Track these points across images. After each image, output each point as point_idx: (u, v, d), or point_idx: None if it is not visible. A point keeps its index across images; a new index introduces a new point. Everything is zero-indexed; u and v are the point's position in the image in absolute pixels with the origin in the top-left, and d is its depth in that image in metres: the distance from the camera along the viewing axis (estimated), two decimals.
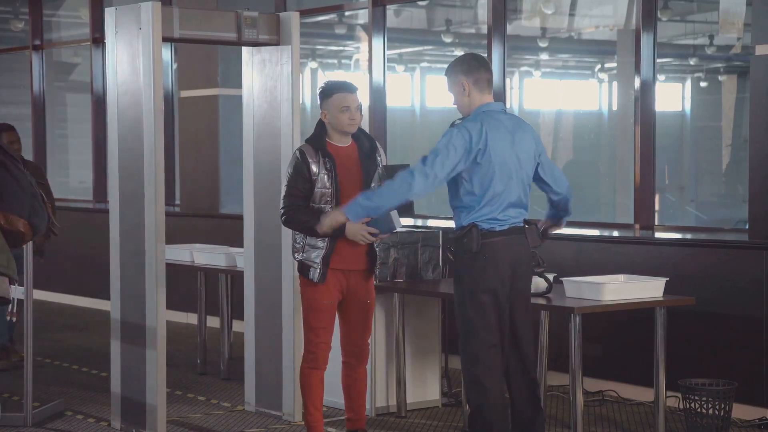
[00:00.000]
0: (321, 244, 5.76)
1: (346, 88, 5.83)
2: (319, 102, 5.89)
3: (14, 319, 5.98)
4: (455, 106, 5.38)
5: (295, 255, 5.87)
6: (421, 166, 5.13)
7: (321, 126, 5.86)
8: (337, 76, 13.20)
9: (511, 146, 5.24)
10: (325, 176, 5.75)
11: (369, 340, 6.03)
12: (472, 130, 5.16)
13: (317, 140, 5.82)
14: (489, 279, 5.20)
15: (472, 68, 5.28)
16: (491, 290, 5.21)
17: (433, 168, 5.12)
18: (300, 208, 5.75)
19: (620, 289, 6.16)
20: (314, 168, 5.76)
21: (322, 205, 5.75)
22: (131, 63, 6.38)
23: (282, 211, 5.80)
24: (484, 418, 5.22)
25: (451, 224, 5.50)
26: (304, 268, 5.82)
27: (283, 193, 5.84)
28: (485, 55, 8.74)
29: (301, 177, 5.76)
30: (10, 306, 5.67)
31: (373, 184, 5.82)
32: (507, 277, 5.25)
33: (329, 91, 5.82)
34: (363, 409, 6.05)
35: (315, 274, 5.78)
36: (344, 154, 5.81)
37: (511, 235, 5.24)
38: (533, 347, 5.46)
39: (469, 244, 5.19)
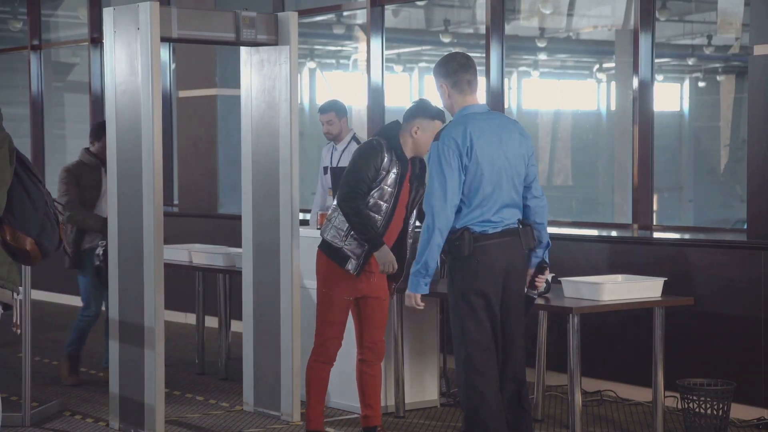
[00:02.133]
0: None
1: (443, 120, 5.83)
2: (416, 113, 5.84)
3: (19, 331, 5.95)
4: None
5: (335, 241, 5.86)
6: (432, 203, 5.09)
7: (395, 131, 5.87)
8: (335, 76, 13.21)
9: (499, 146, 5.21)
10: (394, 176, 5.78)
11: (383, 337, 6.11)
12: (456, 137, 5.13)
13: (395, 140, 5.84)
14: (481, 282, 5.19)
15: (449, 71, 5.26)
16: (483, 293, 5.19)
17: (440, 200, 5.08)
18: (364, 198, 5.77)
19: (618, 289, 6.16)
20: (387, 163, 5.77)
21: (381, 203, 5.76)
22: (129, 63, 6.38)
23: (349, 195, 5.75)
24: (480, 421, 5.21)
25: None
26: (340, 256, 5.84)
27: (348, 177, 5.81)
28: (483, 55, 8.73)
29: (373, 165, 5.79)
30: (14, 317, 5.63)
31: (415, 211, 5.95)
32: (500, 280, 5.24)
33: (436, 116, 5.83)
34: (379, 406, 6.14)
35: (352, 265, 5.83)
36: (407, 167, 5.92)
37: (504, 238, 5.22)
38: (523, 348, 5.42)
39: (460, 248, 5.17)
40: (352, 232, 5.81)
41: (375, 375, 6.09)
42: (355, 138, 7.87)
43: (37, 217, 5.24)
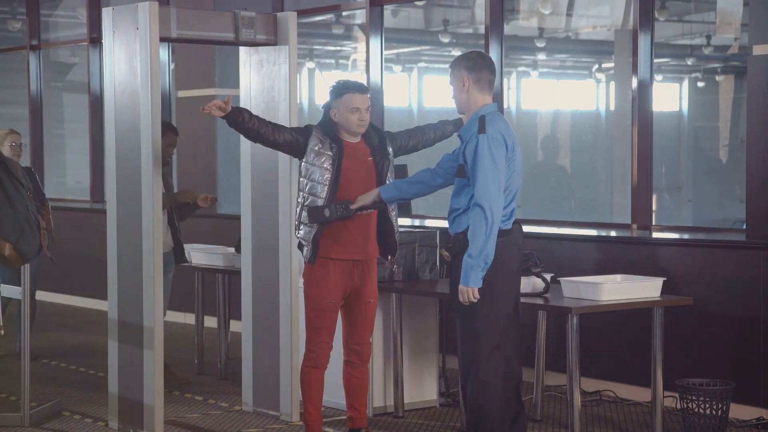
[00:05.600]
0: (312, 223, 5.79)
1: (357, 88, 5.83)
2: (329, 100, 5.89)
3: (2, 333, 5.96)
4: (452, 99, 5.34)
5: (296, 234, 5.89)
6: (490, 194, 5.03)
7: (329, 120, 5.88)
8: (335, 76, 13.21)
9: (518, 141, 5.26)
10: (328, 159, 5.75)
11: (370, 340, 6.05)
12: (503, 131, 5.13)
13: (328, 126, 5.85)
14: (508, 279, 5.19)
15: (476, 67, 5.24)
16: (509, 291, 5.20)
17: (497, 193, 5.05)
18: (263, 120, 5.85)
19: (618, 289, 6.16)
20: (316, 146, 5.76)
21: (318, 186, 5.73)
22: (128, 63, 6.38)
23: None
24: (486, 418, 5.21)
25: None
26: (300, 248, 5.86)
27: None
28: None
29: (295, 130, 5.83)
30: None
31: (389, 178, 5.87)
32: (517, 276, 5.27)
33: (340, 91, 5.83)
34: (365, 408, 6.09)
35: (306, 251, 5.82)
36: (353, 147, 5.85)
37: (514, 234, 5.24)
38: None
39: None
40: (302, 222, 5.81)
41: (361, 378, 6.04)
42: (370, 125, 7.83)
43: (17, 222, 5.24)
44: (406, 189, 5.65)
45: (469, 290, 5.08)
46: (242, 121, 5.80)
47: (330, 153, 5.77)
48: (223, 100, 5.78)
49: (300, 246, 5.87)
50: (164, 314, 6.89)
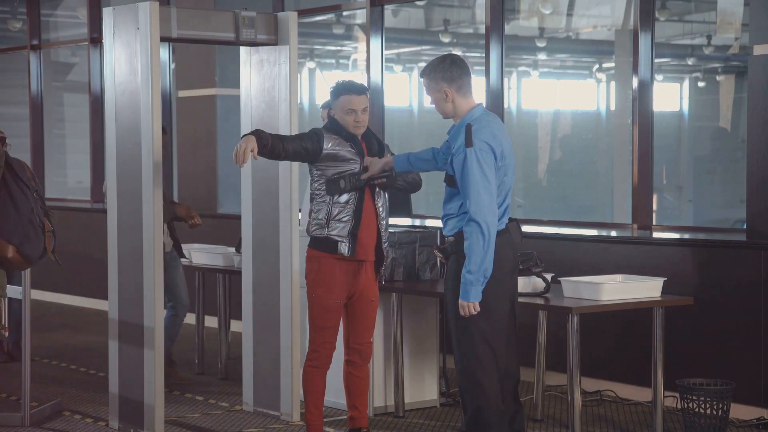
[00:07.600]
0: (345, 218, 5.77)
1: (353, 90, 5.83)
2: (329, 100, 5.93)
3: (6, 333, 5.97)
4: (432, 106, 5.27)
5: (319, 231, 5.84)
6: (483, 209, 4.99)
7: (334, 120, 5.90)
8: (335, 76, 13.21)
9: (509, 142, 5.23)
10: (348, 153, 5.80)
11: (371, 339, 6.06)
12: (488, 140, 5.06)
13: (337, 126, 5.86)
14: (504, 279, 5.17)
15: (454, 76, 5.15)
16: (505, 291, 5.19)
17: (491, 206, 5.01)
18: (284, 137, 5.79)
19: (618, 289, 6.16)
20: (332, 147, 5.78)
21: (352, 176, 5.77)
22: (129, 63, 6.38)
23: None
24: (484, 418, 5.20)
25: None
26: (330, 244, 5.81)
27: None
28: (483, 55, 8.73)
29: (299, 137, 5.79)
30: (1, 319, 5.65)
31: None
32: (511, 276, 5.26)
33: (337, 92, 5.85)
34: (365, 408, 6.10)
35: (345, 248, 5.79)
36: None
37: (509, 233, 5.22)
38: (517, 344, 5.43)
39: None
40: (332, 219, 5.80)
41: (362, 377, 6.05)
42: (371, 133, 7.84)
43: (21, 224, 5.22)
44: (416, 164, 5.67)
45: (470, 305, 5.06)
46: (277, 152, 5.77)
47: (350, 149, 5.79)
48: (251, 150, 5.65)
49: (331, 242, 5.81)
50: (187, 315, 6.90)
